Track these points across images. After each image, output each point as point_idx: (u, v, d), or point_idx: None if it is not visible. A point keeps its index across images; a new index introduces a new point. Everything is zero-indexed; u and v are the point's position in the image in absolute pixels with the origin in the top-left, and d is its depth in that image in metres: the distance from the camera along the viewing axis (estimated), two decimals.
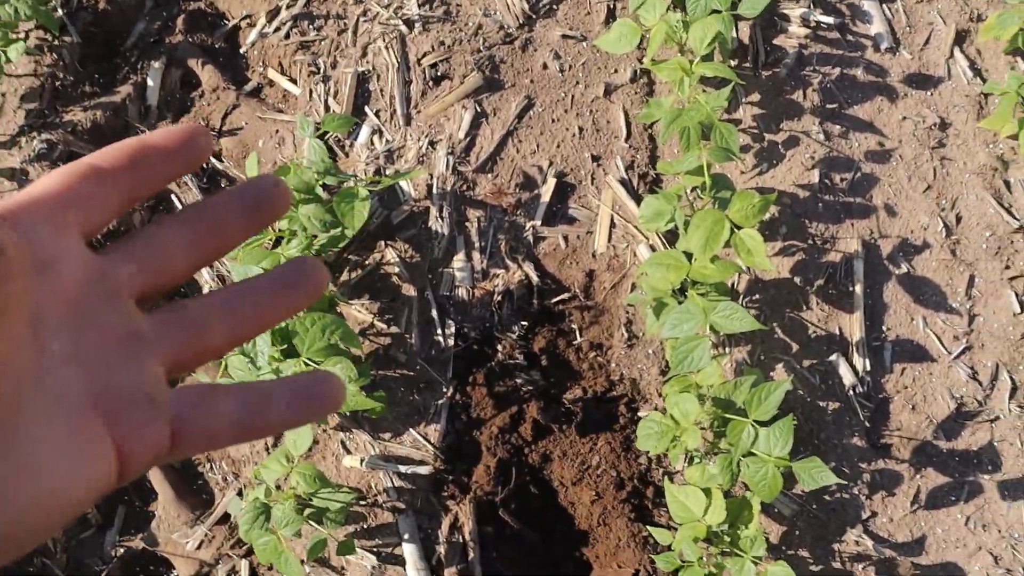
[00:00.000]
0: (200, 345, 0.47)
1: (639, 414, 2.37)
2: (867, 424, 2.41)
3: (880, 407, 2.44)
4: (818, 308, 2.45)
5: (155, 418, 0.43)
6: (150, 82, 2.79)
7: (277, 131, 2.69)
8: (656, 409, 2.34)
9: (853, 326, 2.44)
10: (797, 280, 2.46)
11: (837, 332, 2.44)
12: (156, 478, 2.44)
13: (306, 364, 2.01)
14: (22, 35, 2.74)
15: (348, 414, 2.36)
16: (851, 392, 2.41)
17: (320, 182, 2.28)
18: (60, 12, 2.84)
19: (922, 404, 2.45)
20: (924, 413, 2.43)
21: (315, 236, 2.27)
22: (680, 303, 2.11)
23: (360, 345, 2.23)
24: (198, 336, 0.47)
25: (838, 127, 2.60)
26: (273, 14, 2.84)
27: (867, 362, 2.43)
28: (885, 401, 2.44)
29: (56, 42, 2.81)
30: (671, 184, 2.50)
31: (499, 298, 2.48)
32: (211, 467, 2.50)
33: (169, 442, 0.44)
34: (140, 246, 0.47)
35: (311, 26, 2.80)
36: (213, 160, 2.73)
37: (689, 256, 2.18)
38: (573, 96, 2.71)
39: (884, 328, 2.48)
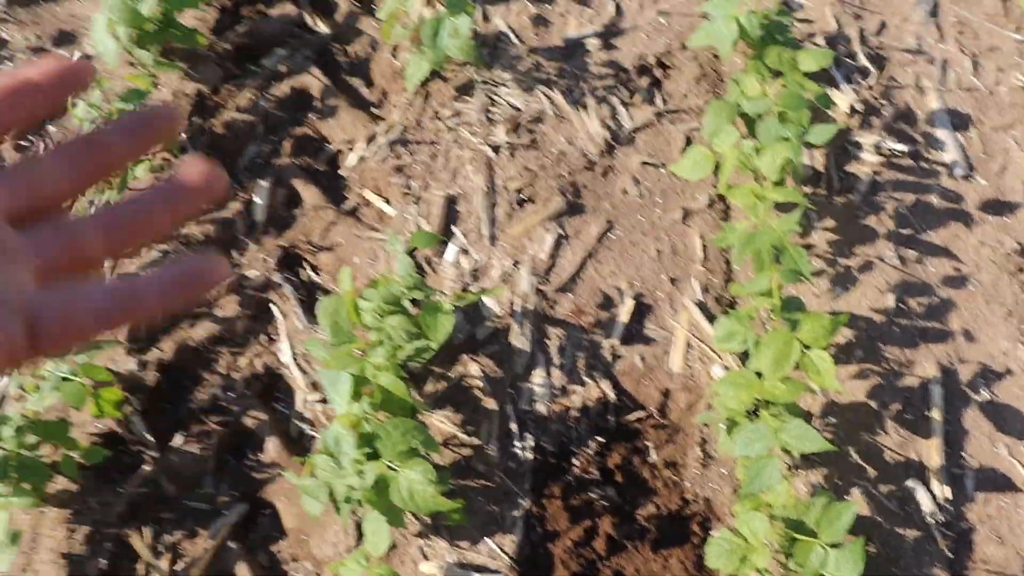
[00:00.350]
0: (75, 250, 0.52)
1: (712, 533, 2.51)
2: (950, 555, 2.49)
3: (963, 537, 2.52)
4: (895, 433, 2.58)
5: (5, 318, 0.46)
6: (257, 200, 3.16)
7: (372, 248, 3.00)
8: (729, 529, 2.47)
9: (931, 452, 2.55)
10: (873, 404, 2.60)
11: (915, 458, 2.56)
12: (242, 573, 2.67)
13: (388, 467, 2.23)
14: (148, 155, 3.15)
15: (428, 521, 2.57)
16: (931, 520, 2.50)
17: (407, 296, 2.55)
18: (182, 135, 3.25)
19: (1009, 536, 2.52)
20: (1012, 546, 2.50)
21: (400, 347, 2.53)
22: (752, 423, 2.28)
23: (440, 451, 2.45)
24: (72, 242, 0.52)
25: (913, 252, 2.77)
26: (371, 139, 3.20)
27: (947, 490, 2.53)
28: (968, 531, 2.52)
29: (176, 161, 3.21)
30: (746, 306, 2.69)
31: (577, 414, 2.68)
32: (295, 567, 2.72)
33: (25, 340, 0.47)
34: (14, 170, 0.52)
35: (406, 151, 3.15)
36: (311, 273, 3.05)
37: (761, 376, 2.35)
38: (652, 220, 2.95)
39: (965, 455, 2.58)
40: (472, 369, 2.77)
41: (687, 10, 3.37)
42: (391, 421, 2.31)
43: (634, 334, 2.80)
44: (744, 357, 2.63)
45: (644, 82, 3.23)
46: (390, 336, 2.52)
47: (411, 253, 2.98)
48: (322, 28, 3.55)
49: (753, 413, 2.38)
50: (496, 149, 3.09)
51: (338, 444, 2.33)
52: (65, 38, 3.72)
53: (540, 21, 3.37)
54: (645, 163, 3.04)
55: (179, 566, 2.63)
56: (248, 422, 2.83)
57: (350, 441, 2.30)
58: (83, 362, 2.66)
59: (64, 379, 2.63)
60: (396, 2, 3.17)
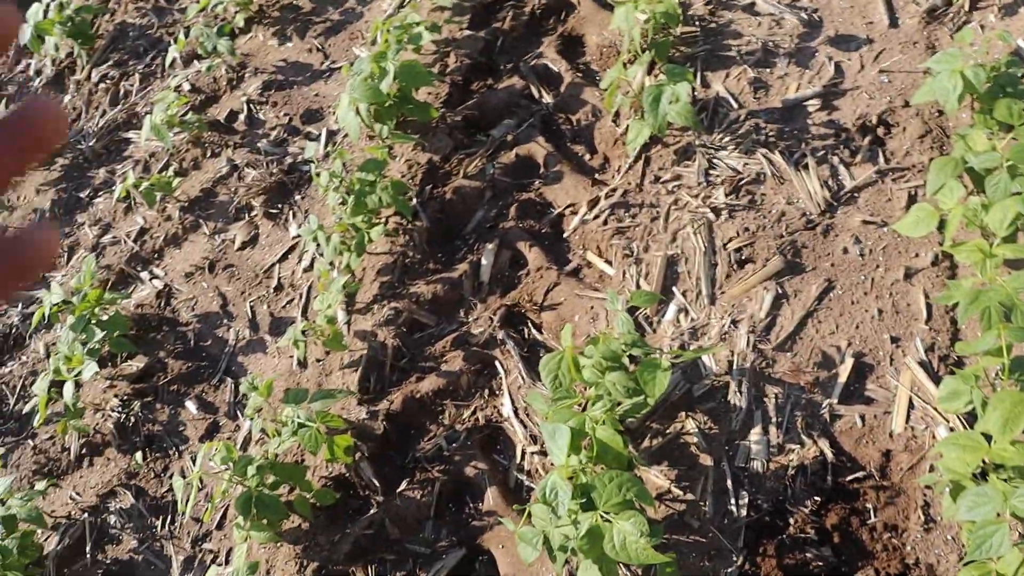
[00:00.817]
0: None
1: None
2: None
3: None
4: None
5: None
6: (484, 261, 3.56)
7: (592, 307, 3.31)
8: None
9: None
10: None
11: None
12: None
13: (602, 518, 2.48)
14: (383, 220, 3.63)
15: (640, 573, 2.79)
16: None
17: (627, 352, 2.83)
18: (414, 201, 3.73)
19: None
20: None
21: (618, 402, 2.80)
22: (979, 486, 2.36)
23: (654, 504, 2.69)
24: None
25: None
26: (593, 203, 3.54)
27: None
28: None
29: (409, 225, 3.68)
30: (972, 365, 2.78)
31: (793, 473, 2.85)
32: None
33: None
34: None
35: (627, 214, 3.46)
36: (533, 331, 3.40)
37: (988, 438, 2.44)
38: (873, 279, 3.10)
39: None
40: (689, 425, 3.00)
41: (909, 67, 3.52)
42: (607, 473, 2.56)
43: (854, 393, 2.94)
44: (970, 418, 2.72)
45: (865, 141, 3.39)
46: (609, 391, 2.79)
47: (631, 312, 3.27)
48: (547, 98, 3.96)
49: (980, 476, 2.46)
50: (716, 211, 3.34)
51: (555, 494, 2.60)
52: (312, 116, 4.34)
53: (759, 84, 3.62)
54: (866, 222, 3.20)
55: None
56: (469, 472, 3.17)
57: (567, 491, 2.56)
58: (319, 410, 3.10)
59: (302, 425, 3.07)
60: (617, 72, 3.52)
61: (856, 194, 3.29)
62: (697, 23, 3.81)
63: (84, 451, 3.71)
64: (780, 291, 3.16)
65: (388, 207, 3.50)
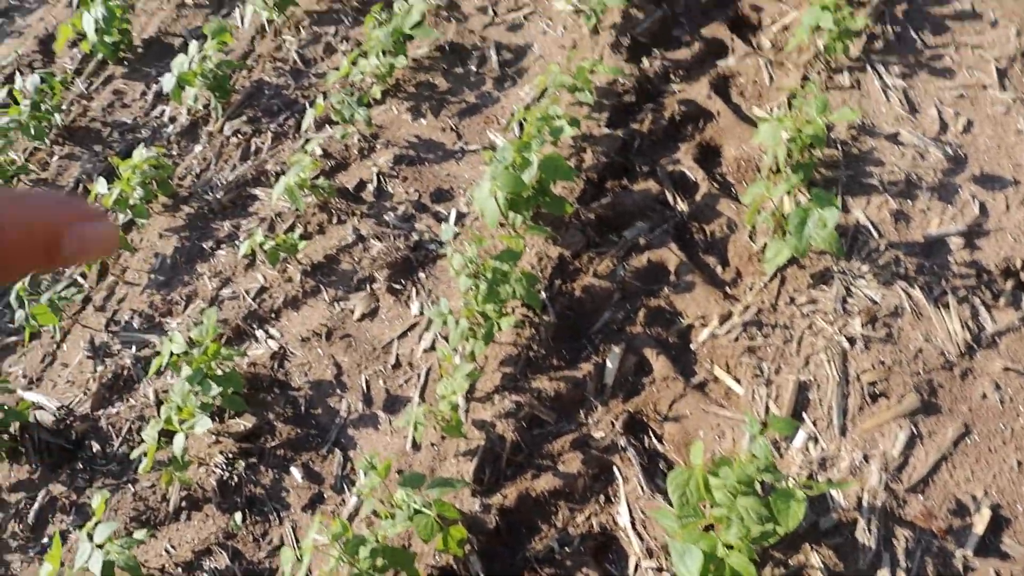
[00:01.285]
0: None
1: None
2: None
3: None
4: None
5: None
6: (609, 364, 3.62)
7: (719, 424, 3.35)
8: None
9: None
10: None
11: None
12: None
13: None
14: (511, 310, 3.71)
15: None
16: None
17: (760, 478, 2.86)
18: (544, 294, 3.80)
19: None
20: None
21: (749, 528, 2.82)
22: None
23: None
24: None
25: None
26: (725, 318, 3.59)
27: None
28: None
29: (536, 319, 3.75)
30: None
31: None
32: None
33: None
34: None
35: (759, 332, 3.51)
36: (654, 441, 3.44)
37: None
38: (1013, 429, 3.11)
39: None
40: (813, 559, 3.00)
41: None
42: None
43: (989, 547, 2.93)
44: None
45: (1008, 285, 3.43)
46: (741, 517, 2.81)
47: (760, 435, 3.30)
48: (681, 206, 4.05)
49: None
50: (851, 340, 3.38)
51: None
52: (441, 195, 4.46)
53: (900, 216, 3.68)
54: (1007, 369, 3.22)
55: None
56: None
57: None
58: (436, 498, 3.15)
59: (417, 511, 3.12)
60: (761, 188, 3.59)
61: (997, 339, 3.31)
62: (840, 147, 3.88)
63: (183, 504, 3.78)
64: (915, 430, 3.17)
65: (520, 298, 3.57)
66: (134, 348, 4.35)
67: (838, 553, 3.03)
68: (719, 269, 3.87)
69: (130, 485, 3.89)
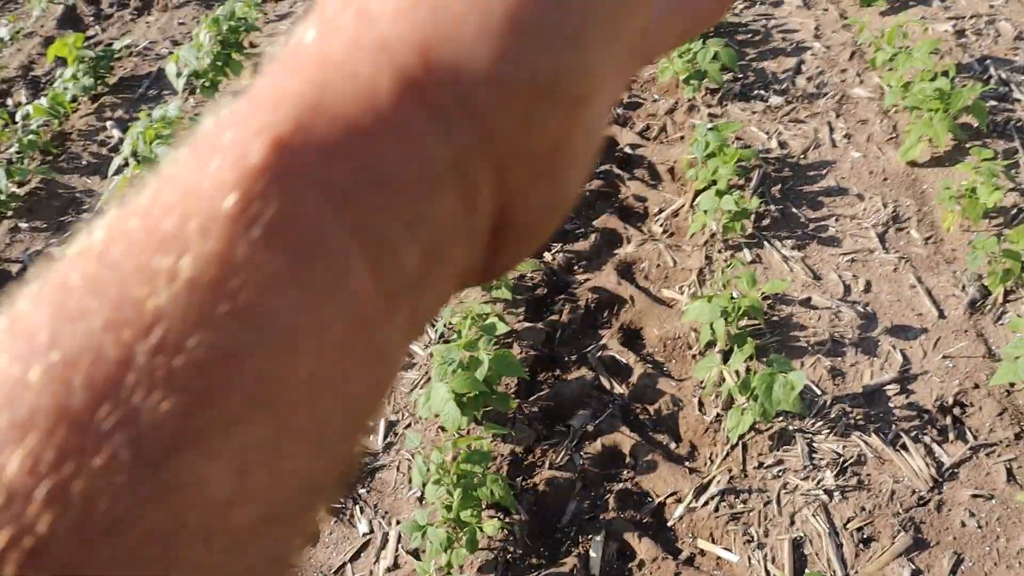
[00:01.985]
0: None
1: None
2: None
3: None
4: None
5: None
6: (592, 554, 3.62)
7: None
8: None
9: None
10: None
11: None
12: None
13: None
14: (491, 514, 3.66)
15: None
16: None
17: None
18: (511, 492, 3.78)
19: None
20: None
21: None
22: None
23: None
24: None
25: None
26: (699, 491, 3.70)
27: None
28: None
29: (508, 520, 3.70)
30: None
31: None
32: None
33: None
34: None
35: (737, 500, 3.64)
36: None
37: None
38: (997, 549, 3.36)
39: None
40: None
41: (967, 353, 3.99)
42: None
43: None
44: None
45: (948, 420, 3.77)
46: None
47: None
48: (619, 389, 4.21)
49: None
50: (829, 492, 3.57)
51: None
52: None
53: (836, 372, 4.01)
54: (975, 495, 3.50)
55: None
56: None
57: None
58: None
59: None
60: (713, 362, 3.83)
61: (956, 470, 3.62)
62: (758, 317, 4.21)
63: None
64: (914, 567, 3.36)
65: (501, 500, 3.54)
66: None
67: None
68: (672, 446, 4.01)
69: None
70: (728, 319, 4.03)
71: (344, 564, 3.82)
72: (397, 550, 3.82)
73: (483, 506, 3.67)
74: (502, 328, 4.12)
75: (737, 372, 4.01)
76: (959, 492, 3.56)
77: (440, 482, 3.62)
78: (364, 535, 3.90)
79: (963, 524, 3.47)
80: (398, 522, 3.90)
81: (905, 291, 4.33)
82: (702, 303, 4.07)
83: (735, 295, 4.09)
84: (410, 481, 4.03)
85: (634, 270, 4.81)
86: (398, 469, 4.11)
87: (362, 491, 4.06)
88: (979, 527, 3.45)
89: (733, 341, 4.06)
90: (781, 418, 3.88)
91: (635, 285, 4.66)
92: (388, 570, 3.77)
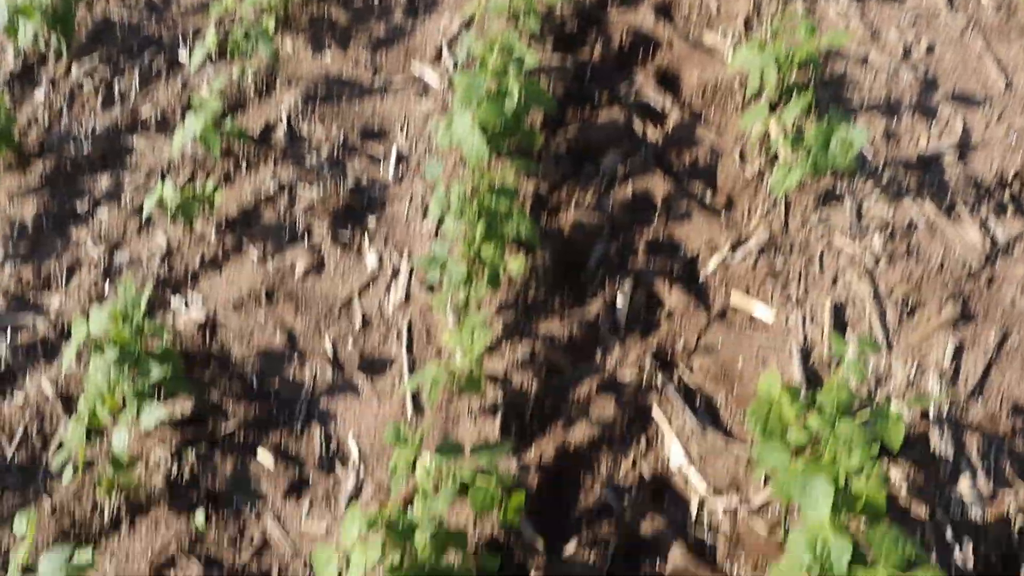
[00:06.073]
0: None
1: None
2: None
3: None
4: None
5: None
6: (619, 301, 3.44)
7: (758, 352, 3.26)
8: None
9: None
10: None
11: None
12: None
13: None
14: (515, 251, 3.44)
15: None
16: None
17: (859, 401, 2.80)
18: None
19: None
20: None
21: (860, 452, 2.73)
22: None
23: (930, 562, 2.63)
24: None
25: None
26: (737, 244, 3.51)
27: None
28: None
29: (530, 259, 3.49)
30: None
31: (1020, 519, 2.88)
32: None
33: None
34: None
35: (777, 256, 3.46)
36: (685, 376, 3.29)
37: None
38: None
39: None
40: (893, 475, 2.98)
41: None
42: (878, 528, 2.50)
43: None
44: None
45: (1007, 195, 3.59)
46: (848, 441, 2.73)
47: (805, 357, 3.25)
48: (652, 134, 3.94)
49: None
50: (875, 257, 3.41)
51: (826, 552, 2.48)
52: (371, 135, 4.09)
53: (890, 135, 3.79)
54: None
55: None
56: (645, 529, 2.99)
57: (845, 548, 2.46)
58: (490, 466, 2.84)
59: (464, 485, 2.79)
60: (762, 112, 3.57)
61: (1011, 246, 3.46)
62: (813, 69, 3.92)
63: (123, 511, 3.18)
64: (959, 339, 3.24)
65: (527, 237, 3.32)
66: (8, 333, 3.62)
67: (916, 467, 3.03)
68: (709, 196, 3.79)
69: (46, 497, 3.22)
70: (780, 69, 3.74)
71: (351, 296, 3.61)
72: (409, 284, 3.61)
73: (507, 242, 3.44)
74: (532, 60, 3.78)
75: (786, 127, 3.76)
76: (1012, 269, 3.42)
77: (462, 214, 3.38)
78: (373, 268, 3.68)
79: (1013, 302, 3.34)
80: (410, 255, 3.67)
81: (971, 58, 4.06)
82: (752, 49, 3.76)
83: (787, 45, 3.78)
84: (424, 214, 3.78)
85: (673, 10, 4.45)
86: (410, 201, 3.85)
87: (370, 222, 3.81)
88: None
89: (783, 93, 3.79)
90: (829, 176, 3.67)
91: (673, 26, 4.32)
92: (400, 304, 3.56)
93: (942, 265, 3.42)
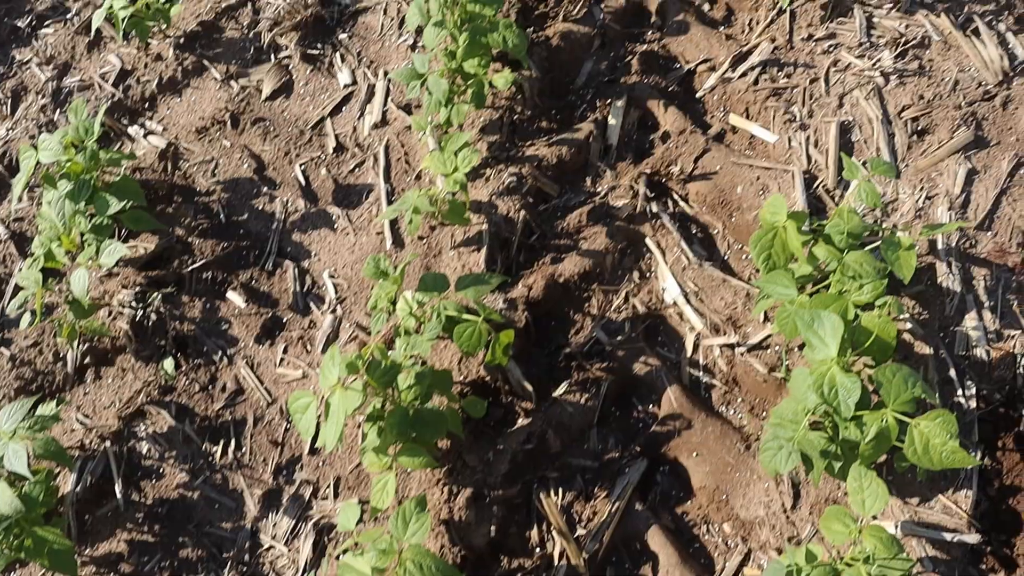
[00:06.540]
0: None
1: None
2: None
3: None
4: None
5: None
6: (611, 121, 3.13)
7: (758, 178, 2.99)
8: None
9: None
10: None
11: None
12: (656, 541, 2.62)
13: (897, 418, 2.21)
14: (500, 66, 3.10)
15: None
16: None
17: (869, 229, 2.55)
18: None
19: None
20: None
21: (865, 284, 2.50)
22: None
23: (935, 398, 2.45)
24: None
25: None
26: (737, 60, 3.18)
27: None
28: None
29: (517, 75, 3.15)
30: None
31: (1019, 359, 2.69)
32: (708, 530, 2.69)
33: None
34: None
35: (780, 73, 3.13)
36: (681, 203, 3.02)
37: None
38: None
39: None
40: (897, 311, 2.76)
41: None
42: (888, 367, 2.30)
43: None
44: None
45: None
46: (857, 274, 2.49)
47: (808, 184, 2.98)
48: None
49: None
50: (885, 75, 3.09)
51: (834, 392, 2.28)
52: None
53: None
54: None
55: (579, 531, 2.58)
56: (638, 369, 2.79)
57: (854, 387, 2.25)
58: (477, 302, 2.58)
59: (453, 320, 2.53)
60: None
61: None
62: None
63: (87, 360, 2.95)
64: (970, 166, 2.97)
65: (513, 50, 2.95)
66: None
67: (921, 302, 2.82)
68: (707, 6, 3.42)
69: (3, 348, 2.97)
70: None
71: (323, 119, 3.27)
72: (386, 104, 3.26)
73: (491, 56, 3.08)
74: None
75: None
76: None
77: (442, 24, 3.00)
78: (346, 86, 3.32)
79: None
80: (385, 73, 3.31)
81: None
82: None
83: None
84: (400, 26, 3.40)
85: None
86: (385, 12, 3.45)
87: (342, 36, 3.42)
88: None
89: None
90: None
91: None
92: (375, 126, 3.23)
93: (956, 84, 3.11)
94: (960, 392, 2.70)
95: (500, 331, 2.62)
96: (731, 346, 2.82)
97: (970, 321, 2.78)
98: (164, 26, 3.37)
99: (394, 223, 3.03)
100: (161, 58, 3.39)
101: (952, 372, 2.71)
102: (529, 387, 2.78)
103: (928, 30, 3.20)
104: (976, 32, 3.19)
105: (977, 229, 2.90)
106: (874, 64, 3.13)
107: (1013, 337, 2.76)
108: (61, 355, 2.94)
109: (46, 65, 3.43)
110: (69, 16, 3.54)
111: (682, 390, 2.77)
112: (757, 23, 3.29)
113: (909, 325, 2.77)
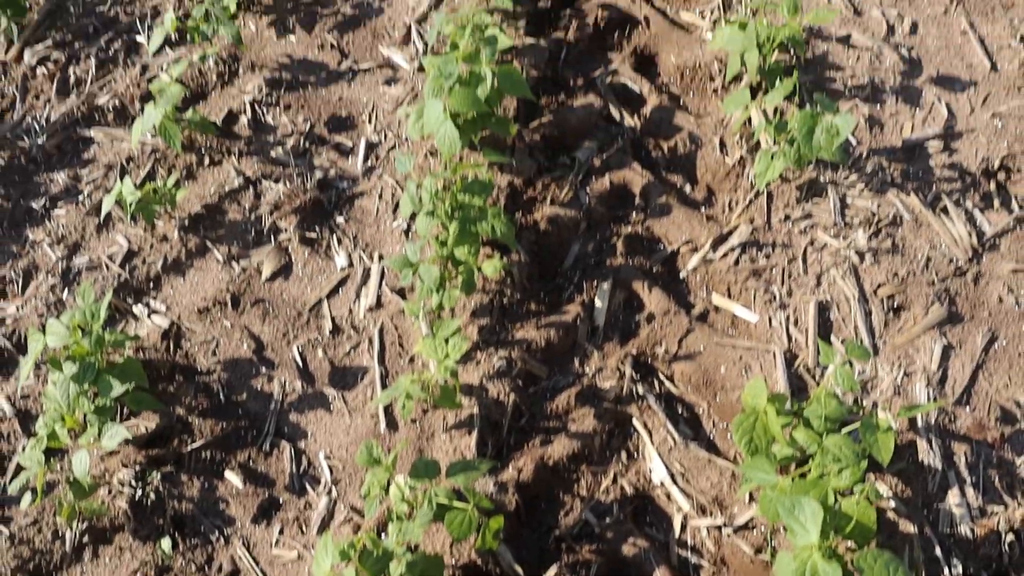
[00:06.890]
0: None
1: None
2: None
3: None
4: None
5: None
6: (598, 303, 3.19)
7: (740, 357, 3.03)
8: None
9: None
10: None
11: None
12: None
13: None
14: (490, 252, 3.17)
15: None
16: None
17: (847, 412, 2.58)
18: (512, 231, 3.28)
19: None
20: None
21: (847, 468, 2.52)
22: None
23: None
24: None
25: None
26: (718, 241, 3.25)
27: None
28: None
29: (506, 261, 3.23)
30: None
31: (1009, 537, 2.68)
32: None
33: None
34: None
35: (760, 253, 3.21)
36: (667, 385, 3.06)
37: None
38: None
39: None
40: (881, 489, 2.77)
41: (1022, 113, 3.50)
42: (870, 553, 2.29)
43: None
44: None
45: (992, 186, 3.34)
46: (836, 458, 2.52)
47: (789, 364, 3.02)
48: (629, 120, 3.65)
49: None
50: (860, 254, 3.16)
51: None
52: (339, 124, 3.78)
53: (873, 121, 3.51)
54: (1015, 270, 3.13)
55: None
56: (627, 551, 2.78)
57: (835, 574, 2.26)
58: (467, 488, 2.60)
59: (446, 507, 2.55)
60: (744, 98, 3.28)
61: (997, 240, 3.22)
62: (798, 50, 3.62)
63: (85, 539, 2.94)
64: (946, 341, 3.02)
65: (502, 237, 3.03)
66: None
67: (903, 479, 2.82)
68: (688, 188, 3.52)
69: (2, 527, 2.97)
70: (762, 50, 3.44)
71: (320, 300, 3.33)
72: (380, 287, 3.33)
73: (481, 243, 3.16)
74: (505, 42, 3.46)
75: (767, 112, 3.48)
76: (999, 265, 3.17)
77: (434, 213, 3.09)
78: (342, 269, 3.39)
79: (1000, 300, 3.11)
80: (380, 256, 3.39)
81: (955, 37, 3.76)
82: (733, 29, 3.45)
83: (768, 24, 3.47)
84: (395, 211, 3.49)
85: None
86: (380, 197, 3.55)
87: (340, 219, 3.51)
88: (1017, 304, 3.09)
89: (765, 76, 3.49)
90: (812, 167, 3.39)
91: (651, 4, 3.99)
92: (370, 309, 3.29)
93: (928, 262, 3.18)
94: (947, 571, 2.68)
95: (490, 517, 2.63)
96: (718, 527, 2.81)
97: (953, 498, 2.78)
98: (170, 208, 3.46)
99: (388, 406, 3.06)
100: (167, 239, 3.47)
101: (938, 551, 2.70)
102: (520, 571, 2.76)
103: (899, 209, 3.28)
104: (945, 210, 3.28)
105: (956, 405, 2.92)
106: (849, 244, 3.20)
107: (997, 513, 2.76)
108: (60, 534, 2.94)
109: (57, 245, 3.51)
110: (80, 199, 3.63)
111: (670, 572, 2.75)
112: (736, 203, 3.38)
113: (892, 504, 2.77)
